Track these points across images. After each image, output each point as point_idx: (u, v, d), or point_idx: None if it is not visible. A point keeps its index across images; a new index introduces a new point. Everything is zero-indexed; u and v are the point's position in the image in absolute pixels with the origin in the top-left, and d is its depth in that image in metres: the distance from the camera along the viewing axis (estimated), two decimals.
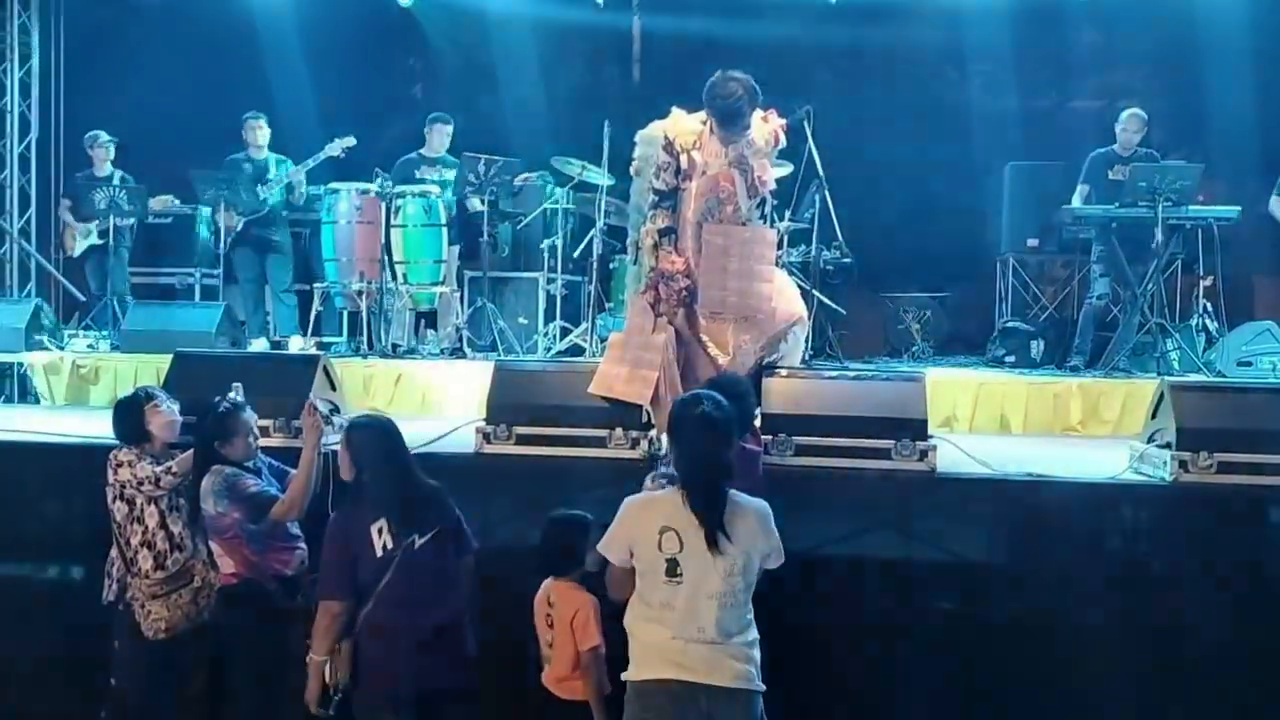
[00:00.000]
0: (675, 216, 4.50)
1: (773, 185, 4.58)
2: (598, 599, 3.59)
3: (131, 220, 7.96)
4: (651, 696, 3.18)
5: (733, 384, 3.79)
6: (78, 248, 8.04)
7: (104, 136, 8.06)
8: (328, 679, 3.56)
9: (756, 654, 3.23)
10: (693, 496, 3.16)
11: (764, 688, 3.25)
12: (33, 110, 9.13)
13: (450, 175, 7.69)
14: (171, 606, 3.88)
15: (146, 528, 3.91)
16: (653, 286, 4.46)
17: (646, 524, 3.19)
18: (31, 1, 9.06)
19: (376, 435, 3.66)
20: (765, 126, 4.54)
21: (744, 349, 4.47)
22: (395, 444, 3.66)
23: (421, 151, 7.87)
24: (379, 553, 3.52)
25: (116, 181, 7.95)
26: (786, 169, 6.95)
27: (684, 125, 4.49)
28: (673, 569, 3.13)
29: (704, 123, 4.48)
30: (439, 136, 7.86)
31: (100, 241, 7.86)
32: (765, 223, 4.65)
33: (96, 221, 7.85)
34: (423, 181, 7.58)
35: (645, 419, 4.51)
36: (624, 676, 3.30)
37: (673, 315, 4.46)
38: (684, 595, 3.13)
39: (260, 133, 7.86)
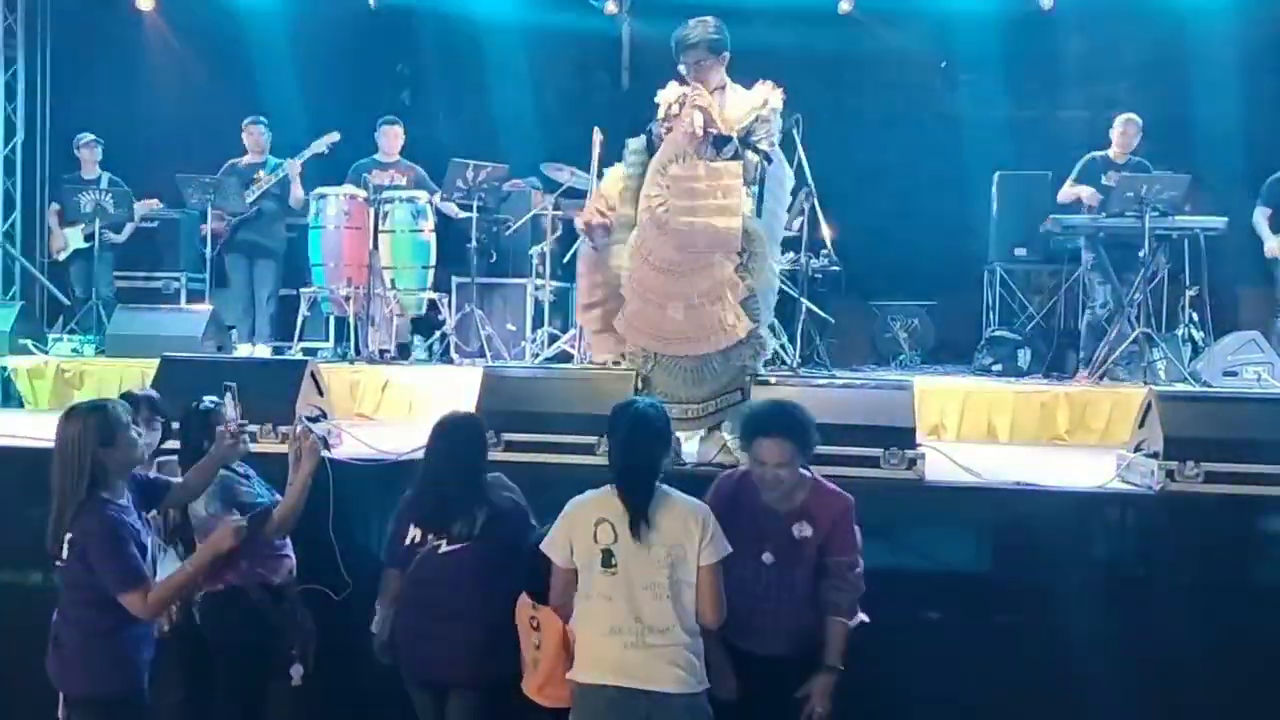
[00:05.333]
0: (638, 168, 4.62)
1: (738, 130, 4.50)
2: None
3: (123, 226, 7.93)
4: (592, 700, 3.32)
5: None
6: (64, 251, 8.00)
7: (91, 137, 8.02)
8: (375, 630, 3.83)
9: (698, 654, 3.32)
10: (623, 489, 3.34)
11: (706, 685, 3.33)
12: (18, 114, 9.09)
13: (403, 179, 7.64)
14: None
15: None
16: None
17: (584, 518, 3.35)
18: (17, 5, 9.02)
19: (439, 433, 3.81)
20: (757, 89, 4.60)
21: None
22: (445, 445, 3.77)
23: (375, 156, 7.81)
24: (407, 541, 3.74)
25: (104, 184, 7.92)
26: None
27: (671, 88, 4.62)
28: (608, 559, 3.29)
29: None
30: (388, 138, 7.77)
31: (87, 245, 7.83)
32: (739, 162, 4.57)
33: (83, 225, 7.82)
34: (379, 188, 7.48)
35: None
36: (568, 676, 3.41)
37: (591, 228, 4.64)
38: (620, 585, 3.27)
39: (259, 137, 7.82)
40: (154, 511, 3.72)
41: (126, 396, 4.11)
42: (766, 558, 3.51)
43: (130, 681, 3.37)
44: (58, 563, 3.34)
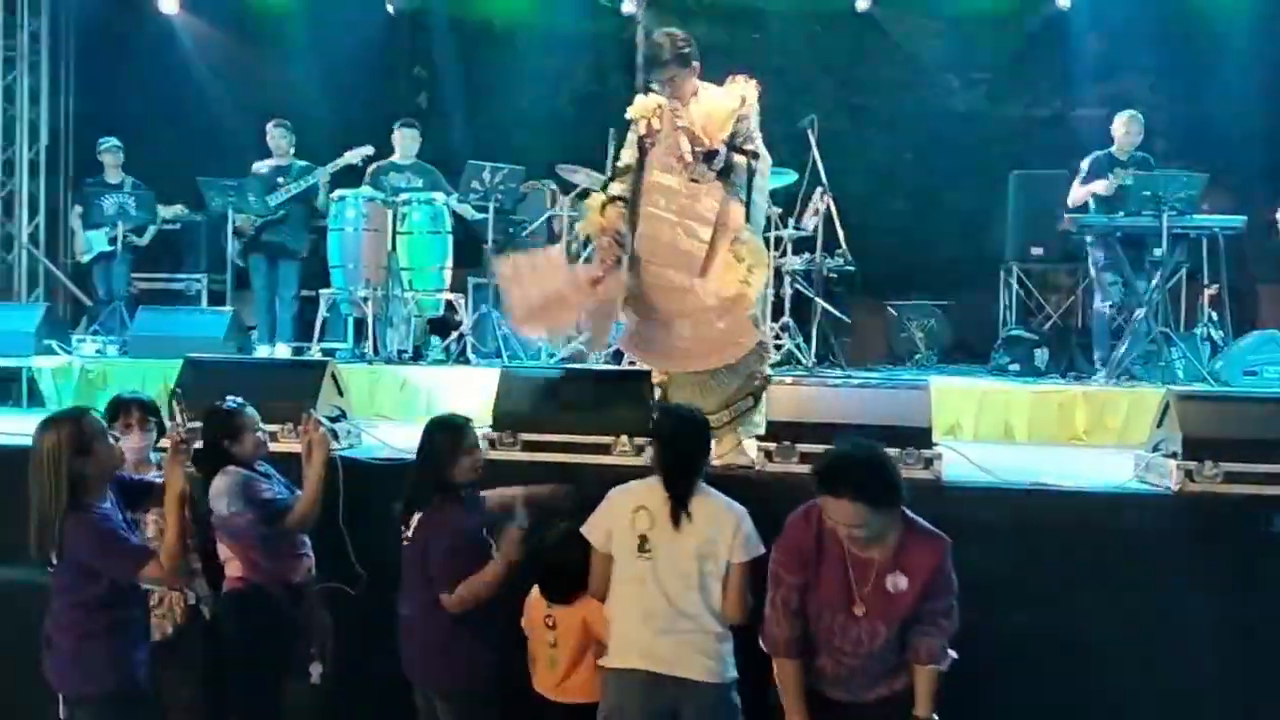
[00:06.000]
0: (629, 189, 4.56)
1: (723, 138, 4.46)
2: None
3: (145, 229, 7.99)
4: (622, 685, 3.41)
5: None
6: (87, 254, 8.07)
7: (114, 142, 8.10)
8: None
9: (727, 646, 3.42)
10: (666, 480, 3.49)
11: (735, 676, 3.42)
12: (42, 117, 9.19)
13: (419, 182, 7.68)
14: None
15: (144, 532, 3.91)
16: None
17: (623, 505, 3.51)
18: (42, 9, 9.12)
19: (424, 432, 3.85)
20: (731, 88, 4.55)
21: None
22: (421, 444, 3.82)
23: (392, 159, 7.83)
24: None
25: (127, 188, 7.99)
26: (790, 177, 7.01)
27: (644, 102, 4.61)
28: (643, 544, 3.43)
29: (663, 93, 4.56)
30: (403, 141, 7.79)
31: (110, 248, 7.90)
32: (728, 178, 4.52)
33: (106, 228, 7.89)
34: (396, 190, 7.52)
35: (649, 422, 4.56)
36: (600, 662, 3.52)
37: (609, 271, 4.54)
38: (654, 571, 3.40)
39: (282, 140, 7.86)
40: (149, 514, 3.73)
41: (116, 400, 4.12)
42: (858, 610, 3.23)
43: (127, 677, 3.38)
44: (49, 568, 3.34)
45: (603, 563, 3.54)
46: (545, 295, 4.62)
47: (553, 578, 3.75)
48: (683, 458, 3.53)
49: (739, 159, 4.47)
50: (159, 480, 3.65)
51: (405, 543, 3.76)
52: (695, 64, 4.52)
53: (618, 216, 4.54)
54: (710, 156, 4.41)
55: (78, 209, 8.30)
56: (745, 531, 3.44)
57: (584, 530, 3.56)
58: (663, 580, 3.39)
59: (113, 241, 7.89)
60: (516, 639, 3.81)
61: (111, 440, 3.43)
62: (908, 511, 3.26)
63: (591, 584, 3.60)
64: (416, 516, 3.72)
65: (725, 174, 4.47)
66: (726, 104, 4.50)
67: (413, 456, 4.41)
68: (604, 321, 4.75)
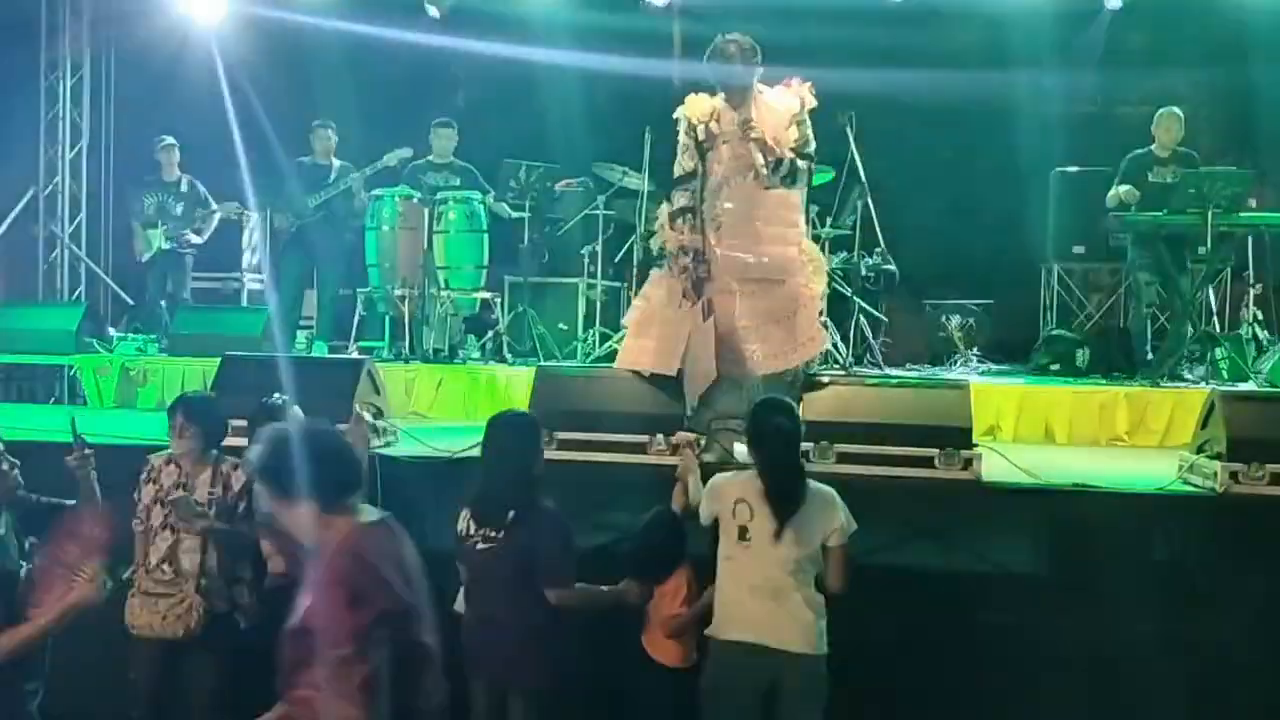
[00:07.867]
0: (695, 197, 4.55)
1: (791, 145, 4.49)
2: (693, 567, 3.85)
3: (204, 228, 8.04)
4: (726, 655, 3.57)
5: None
6: (146, 252, 8.11)
7: (169, 141, 8.11)
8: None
9: (822, 622, 3.55)
10: (772, 493, 3.56)
11: (827, 650, 3.54)
12: (83, 117, 9.29)
13: (456, 181, 7.70)
14: (149, 611, 3.92)
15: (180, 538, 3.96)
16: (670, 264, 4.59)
17: (726, 497, 3.64)
18: (83, 11, 9.23)
19: (490, 430, 3.83)
20: (787, 92, 4.57)
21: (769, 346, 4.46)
22: (491, 443, 3.79)
23: (429, 158, 7.85)
24: (459, 528, 3.78)
25: (184, 187, 8.04)
26: (828, 175, 6.95)
27: (698, 104, 4.61)
28: (743, 534, 3.57)
29: (718, 96, 4.56)
30: (441, 140, 7.81)
31: (168, 246, 7.97)
32: (793, 185, 4.56)
33: (166, 227, 7.96)
34: (433, 189, 7.53)
35: (686, 416, 4.54)
36: (706, 632, 3.65)
37: (689, 293, 4.50)
38: (752, 554, 3.54)
39: (326, 141, 7.89)
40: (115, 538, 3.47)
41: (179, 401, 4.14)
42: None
43: None
44: None
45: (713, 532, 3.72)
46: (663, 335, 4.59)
47: (647, 560, 3.84)
48: (787, 474, 3.59)
49: (802, 164, 4.48)
50: (68, 503, 3.53)
51: (486, 544, 3.68)
52: (760, 69, 4.53)
53: (691, 231, 4.51)
54: (778, 165, 4.41)
55: (138, 206, 8.35)
56: (839, 509, 3.58)
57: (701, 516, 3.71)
58: (761, 560, 3.52)
59: (170, 240, 7.95)
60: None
61: (6, 466, 3.26)
62: (375, 528, 2.51)
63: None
64: (510, 515, 3.65)
65: (790, 180, 4.47)
66: (787, 109, 4.50)
67: (449, 454, 4.46)
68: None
